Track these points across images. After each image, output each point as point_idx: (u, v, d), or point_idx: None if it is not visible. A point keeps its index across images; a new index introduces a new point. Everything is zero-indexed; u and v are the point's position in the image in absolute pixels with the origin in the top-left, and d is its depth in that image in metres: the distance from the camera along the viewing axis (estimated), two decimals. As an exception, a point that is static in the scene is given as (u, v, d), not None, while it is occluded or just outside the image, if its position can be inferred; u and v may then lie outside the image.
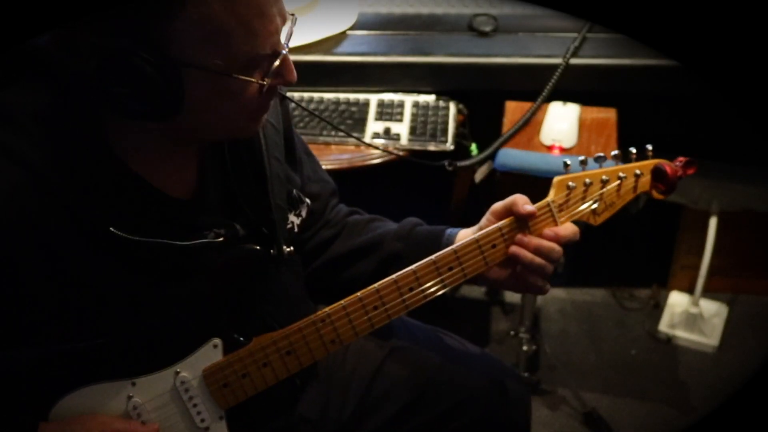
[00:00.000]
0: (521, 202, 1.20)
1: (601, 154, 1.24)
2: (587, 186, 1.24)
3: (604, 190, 1.25)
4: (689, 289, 2.62)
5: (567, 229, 1.22)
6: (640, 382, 2.44)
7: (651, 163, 1.27)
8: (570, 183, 1.23)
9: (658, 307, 2.68)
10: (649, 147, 1.27)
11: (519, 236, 1.20)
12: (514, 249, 1.20)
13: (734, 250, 2.60)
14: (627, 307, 2.71)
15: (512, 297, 2.69)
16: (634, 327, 2.64)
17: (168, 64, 0.94)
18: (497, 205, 1.23)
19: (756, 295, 2.70)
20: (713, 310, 2.62)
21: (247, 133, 1.13)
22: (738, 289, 2.70)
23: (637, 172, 1.26)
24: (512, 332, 2.35)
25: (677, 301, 2.65)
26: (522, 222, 1.21)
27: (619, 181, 1.25)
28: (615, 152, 1.25)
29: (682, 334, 2.56)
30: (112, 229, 1.00)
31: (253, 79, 1.00)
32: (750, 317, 2.64)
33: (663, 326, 2.59)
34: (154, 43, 0.92)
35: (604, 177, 1.24)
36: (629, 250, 2.67)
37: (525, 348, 2.29)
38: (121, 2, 0.90)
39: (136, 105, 0.96)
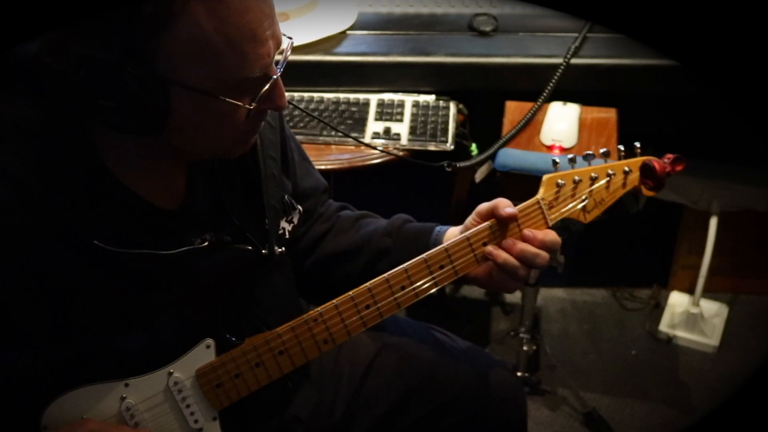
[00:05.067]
0: (503, 205, 1.20)
1: (590, 152, 1.25)
2: (576, 183, 1.24)
3: (594, 187, 1.25)
4: (689, 289, 2.62)
5: (548, 235, 1.21)
6: (641, 382, 2.44)
7: (639, 159, 1.27)
8: (559, 181, 1.23)
9: (659, 307, 2.68)
10: (637, 144, 1.27)
11: (506, 241, 1.21)
12: (490, 249, 1.20)
13: (734, 250, 2.60)
14: (627, 307, 2.71)
15: (512, 297, 2.69)
16: (634, 327, 2.64)
17: (155, 80, 0.93)
18: (482, 206, 1.23)
19: (756, 295, 2.70)
20: (713, 310, 2.62)
21: (233, 154, 1.11)
22: (738, 289, 2.70)
23: (626, 169, 1.26)
24: (512, 332, 2.35)
25: (677, 301, 2.65)
26: (506, 223, 1.21)
27: (608, 178, 1.25)
28: (603, 150, 1.26)
29: (682, 334, 2.56)
30: (95, 242, 1.00)
31: (240, 103, 0.99)
32: (750, 317, 2.64)
33: (663, 326, 2.59)
34: (143, 59, 0.92)
35: (593, 174, 1.25)
36: (629, 250, 2.67)
37: (525, 348, 2.29)
38: (113, 12, 0.89)
39: (121, 118, 0.95)
